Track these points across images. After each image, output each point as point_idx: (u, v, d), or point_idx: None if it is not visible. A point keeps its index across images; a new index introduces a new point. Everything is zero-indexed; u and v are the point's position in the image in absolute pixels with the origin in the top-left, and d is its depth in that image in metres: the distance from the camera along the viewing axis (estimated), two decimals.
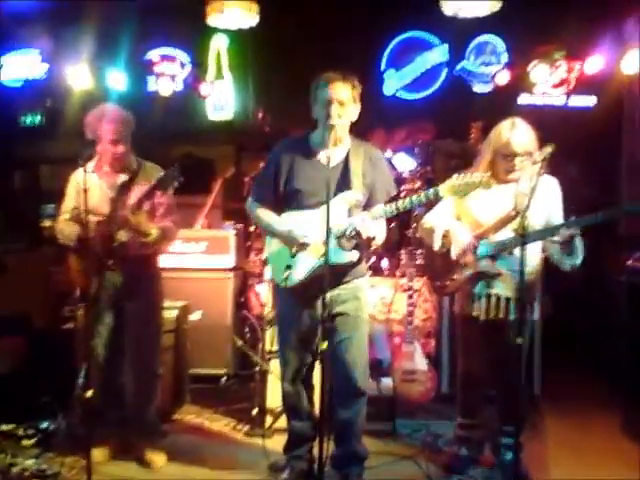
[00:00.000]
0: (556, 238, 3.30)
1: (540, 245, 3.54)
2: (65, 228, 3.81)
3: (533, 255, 3.46)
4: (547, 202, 3.48)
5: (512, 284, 3.45)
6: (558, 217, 3.50)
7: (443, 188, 3.18)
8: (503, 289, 3.50)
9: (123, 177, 3.83)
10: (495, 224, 3.51)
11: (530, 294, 3.55)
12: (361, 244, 3.35)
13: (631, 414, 4.47)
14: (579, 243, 3.33)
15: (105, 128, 3.72)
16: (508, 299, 3.50)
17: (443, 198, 3.28)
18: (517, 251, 3.16)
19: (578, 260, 3.38)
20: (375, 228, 3.27)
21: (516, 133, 3.41)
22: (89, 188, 3.52)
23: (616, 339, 5.06)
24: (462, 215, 3.61)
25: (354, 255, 3.35)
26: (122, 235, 3.70)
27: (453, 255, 3.51)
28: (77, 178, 3.76)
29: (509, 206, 3.45)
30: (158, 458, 3.87)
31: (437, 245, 3.56)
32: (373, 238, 3.29)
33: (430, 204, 3.47)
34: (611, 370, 5.03)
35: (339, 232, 3.26)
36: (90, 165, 3.78)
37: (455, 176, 3.18)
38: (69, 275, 3.83)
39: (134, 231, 3.69)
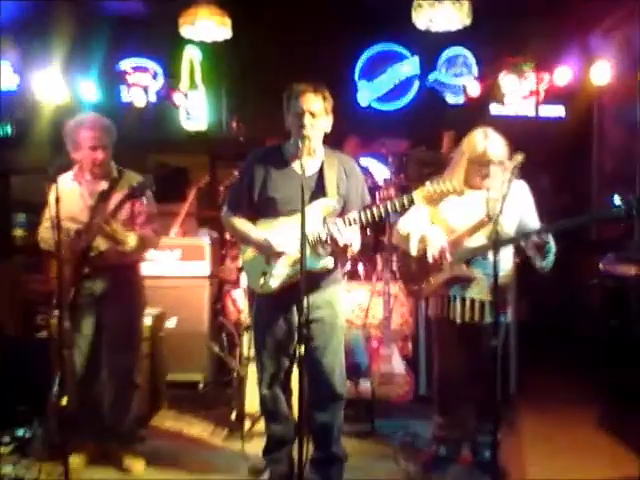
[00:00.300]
0: (528, 244, 3.39)
1: (512, 249, 3.62)
2: (46, 235, 3.78)
3: (506, 259, 3.54)
4: (518, 207, 3.56)
5: (486, 287, 3.52)
6: (532, 219, 3.59)
7: (417, 195, 3.22)
8: (478, 293, 3.57)
9: (104, 185, 3.82)
10: (468, 230, 3.57)
11: (503, 296, 3.62)
12: (336, 251, 3.36)
13: (607, 410, 4.57)
14: (552, 247, 3.42)
15: (84, 135, 3.71)
16: (483, 302, 3.56)
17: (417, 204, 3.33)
18: (491, 255, 3.22)
19: (550, 263, 3.46)
20: (350, 235, 3.28)
21: (490, 142, 3.49)
22: (68, 196, 3.58)
23: (590, 339, 5.17)
24: (435, 221, 3.67)
25: (329, 262, 3.37)
26: (101, 244, 3.69)
27: (429, 259, 3.57)
28: (58, 186, 3.75)
29: (481, 212, 3.51)
30: (137, 464, 3.84)
31: (414, 250, 3.62)
32: (349, 245, 3.30)
33: (404, 211, 3.52)
34: (586, 369, 5.14)
35: (314, 239, 3.28)
36: (70, 173, 3.79)
37: (428, 183, 3.23)
38: (47, 282, 3.80)
39: (110, 240, 3.68)
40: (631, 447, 4.03)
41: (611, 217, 3.38)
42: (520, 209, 3.57)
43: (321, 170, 3.39)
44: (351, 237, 3.29)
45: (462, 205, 3.53)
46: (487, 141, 3.50)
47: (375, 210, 3.26)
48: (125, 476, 3.79)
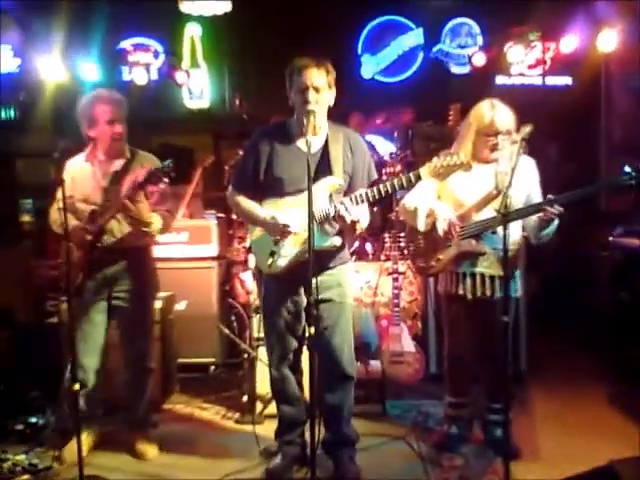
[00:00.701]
0: (541, 215, 3.34)
1: (520, 222, 3.58)
2: (57, 216, 3.72)
3: (514, 232, 3.52)
4: (526, 181, 3.52)
5: (496, 262, 3.50)
6: (537, 196, 3.55)
7: (424, 171, 3.18)
8: (487, 268, 3.54)
9: (117, 165, 3.76)
10: (477, 204, 3.54)
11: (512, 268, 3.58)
12: (344, 229, 3.34)
13: (618, 387, 4.56)
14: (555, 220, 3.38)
15: (101, 109, 3.66)
16: (493, 277, 3.54)
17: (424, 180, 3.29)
18: (500, 229, 3.19)
19: (550, 233, 3.44)
20: (357, 212, 3.24)
21: (498, 112, 3.46)
22: (81, 177, 3.61)
23: (600, 313, 5.14)
24: (443, 195, 3.65)
25: (337, 240, 3.35)
26: (116, 228, 3.64)
27: (440, 232, 3.53)
28: (70, 167, 3.72)
29: (490, 186, 3.48)
30: (150, 449, 3.85)
31: (422, 225, 3.58)
32: (357, 222, 3.26)
33: (411, 187, 3.47)
34: (596, 344, 5.11)
35: (322, 217, 3.25)
36: (82, 154, 3.76)
37: (435, 159, 3.18)
38: (56, 267, 3.77)
39: (134, 221, 3.60)
40: None
41: (621, 186, 3.33)
42: (527, 185, 3.53)
43: (326, 146, 3.35)
44: (358, 214, 3.25)
45: (470, 179, 3.50)
46: (494, 111, 3.46)
47: (382, 187, 3.22)
48: (138, 461, 3.80)
